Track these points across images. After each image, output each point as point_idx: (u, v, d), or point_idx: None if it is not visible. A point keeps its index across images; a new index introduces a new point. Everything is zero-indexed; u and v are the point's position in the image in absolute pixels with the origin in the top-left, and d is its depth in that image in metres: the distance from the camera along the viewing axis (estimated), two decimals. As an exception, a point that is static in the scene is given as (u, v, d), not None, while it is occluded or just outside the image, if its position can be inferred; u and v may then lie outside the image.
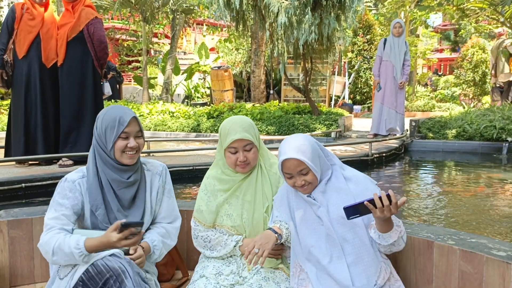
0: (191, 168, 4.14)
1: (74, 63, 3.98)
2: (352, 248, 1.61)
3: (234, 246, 1.76)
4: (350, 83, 13.16)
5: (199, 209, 1.82)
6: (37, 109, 3.92)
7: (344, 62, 13.52)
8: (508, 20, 9.21)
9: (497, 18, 9.88)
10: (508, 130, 6.20)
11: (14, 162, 3.85)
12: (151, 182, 1.77)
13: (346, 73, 13.20)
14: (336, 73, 13.03)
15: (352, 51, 13.41)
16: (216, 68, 12.22)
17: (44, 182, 3.34)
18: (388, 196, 1.45)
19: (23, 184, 3.22)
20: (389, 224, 1.55)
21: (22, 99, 3.91)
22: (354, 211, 1.48)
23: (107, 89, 4.56)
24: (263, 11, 7.42)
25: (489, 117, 6.62)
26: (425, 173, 5.55)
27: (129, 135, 1.64)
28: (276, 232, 1.66)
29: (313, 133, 7.39)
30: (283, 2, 6.83)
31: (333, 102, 12.73)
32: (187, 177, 4.10)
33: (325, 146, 5.55)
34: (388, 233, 1.56)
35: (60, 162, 3.93)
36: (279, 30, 7.16)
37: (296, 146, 1.59)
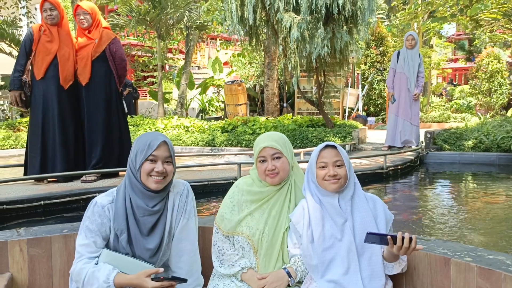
0: (205, 183, 4.16)
1: (100, 81, 4.14)
2: (368, 263, 1.66)
3: (238, 271, 1.78)
4: (363, 95, 13.12)
5: (222, 215, 1.84)
6: (55, 129, 4.02)
7: (358, 74, 13.51)
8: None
9: (511, 28, 9.79)
10: (526, 141, 6.09)
11: (32, 180, 3.93)
12: (173, 203, 1.76)
13: (360, 85, 13.17)
14: (349, 85, 13.02)
15: (365, 63, 13.40)
16: (230, 82, 12.34)
17: (62, 200, 3.40)
18: (410, 239, 1.53)
19: (42, 202, 3.29)
20: (396, 257, 1.63)
21: (39, 119, 4.02)
22: (374, 238, 1.54)
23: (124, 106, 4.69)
24: (276, 26, 7.50)
25: (506, 128, 6.51)
26: (442, 186, 5.47)
27: (157, 159, 1.64)
28: (290, 276, 1.69)
29: (327, 146, 7.37)
30: (295, 17, 6.90)
31: (346, 114, 12.70)
32: (201, 192, 4.11)
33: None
34: (392, 263, 1.66)
35: (84, 177, 4.02)
36: (292, 45, 7.22)
37: (329, 143, 1.76)
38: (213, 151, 8.17)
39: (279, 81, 12.04)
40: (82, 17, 4.10)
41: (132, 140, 8.80)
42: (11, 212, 3.21)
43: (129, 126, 9.95)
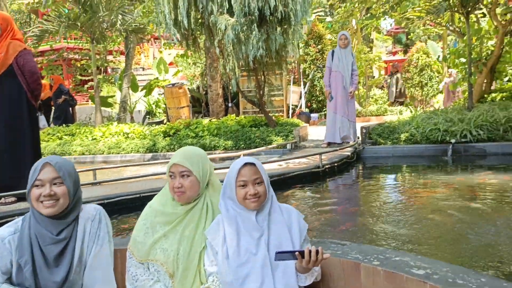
0: (137, 196, 4.04)
1: (7, 99, 3.84)
2: (282, 277, 1.68)
3: None
4: (306, 92, 13.40)
5: (135, 239, 1.80)
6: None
7: (300, 71, 13.76)
8: (451, 24, 9.69)
9: (439, 23, 10.37)
10: (451, 132, 6.48)
11: None
12: (84, 229, 1.67)
13: (302, 83, 13.43)
14: (291, 83, 13.23)
15: (306, 61, 13.68)
16: (170, 86, 12.14)
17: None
18: (317, 252, 1.59)
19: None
20: (308, 269, 1.66)
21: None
22: (284, 256, 1.59)
23: (42, 121, 4.44)
24: (212, 29, 7.45)
25: (433, 120, 6.89)
26: (375, 180, 5.70)
27: (43, 183, 1.58)
28: None
29: (269, 146, 7.46)
30: (229, 20, 6.89)
31: (290, 112, 12.90)
32: (133, 206, 3.98)
33: (279, 159, 5.55)
34: (305, 275, 1.70)
35: (2, 200, 3.77)
36: (228, 47, 7.21)
37: (249, 159, 1.73)
38: (154, 158, 7.99)
39: (222, 81, 12.00)
40: None
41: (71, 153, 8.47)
42: None
43: (65, 136, 9.65)
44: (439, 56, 13.39)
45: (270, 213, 1.73)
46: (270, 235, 1.70)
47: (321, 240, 2.13)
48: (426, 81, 13.70)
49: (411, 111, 9.61)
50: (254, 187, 1.66)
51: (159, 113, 16.60)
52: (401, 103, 14.16)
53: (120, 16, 9.58)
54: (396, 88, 14.59)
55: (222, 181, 1.89)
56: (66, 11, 9.71)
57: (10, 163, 3.80)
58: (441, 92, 13.89)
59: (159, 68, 18.51)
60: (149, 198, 3.93)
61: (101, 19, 9.38)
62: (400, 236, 3.18)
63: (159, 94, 17.82)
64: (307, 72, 13.69)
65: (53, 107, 11.36)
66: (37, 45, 10.05)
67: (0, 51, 3.83)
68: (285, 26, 7.30)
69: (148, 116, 16.48)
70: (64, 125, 10.22)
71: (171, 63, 20.38)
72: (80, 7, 9.13)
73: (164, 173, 5.24)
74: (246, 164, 1.69)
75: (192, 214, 1.79)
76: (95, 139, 9.16)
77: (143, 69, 23.08)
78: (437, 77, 13.95)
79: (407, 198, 4.46)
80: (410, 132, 6.91)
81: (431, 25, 15.74)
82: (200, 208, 1.80)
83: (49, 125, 11.10)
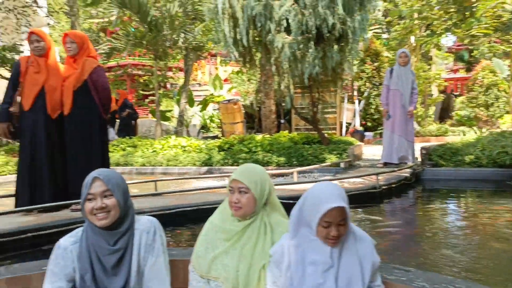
0: (195, 208, 4.14)
1: (81, 112, 4.13)
2: None
3: None
4: (360, 110, 13.16)
5: (197, 254, 1.84)
6: (42, 158, 4.03)
7: (355, 89, 13.57)
8: (519, 41, 9.17)
9: (507, 40, 9.84)
10: (521, 156, 6.06)
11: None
12: (140, 241, 1.74)
13: (356, 100, 13.22)
14: (346, 101, 13.06)
15: (361, 78, 13.47)
16: (226, 101, 12.43)
17: (50, 231, 3.41)
18: None
19: (29, 234, 3.30)
20: None
21: (27, 150, 4.04)
22: None
23: (111, 134, 4.71)
24: (269, 46, 7.58)
25: (501, 143, 6.49)
26: (437, 204, 5.43)
27: (95, 196, 1.66)
28: None
29: (323, 164, 7.37)
30: (286, 38, 6.98)
31: (344, 130, 12.70)
32: (192, 217, 4.07)
33: (333, 178, 5.42)
34: None
35: (73, 207, 4.03)
36: (284, 64, 7.29)
37: (338, 194, 1.59)
38: (209, 171, 8.17)
39: (276, 98, 12.12)
40: (68, 46, 4.14)
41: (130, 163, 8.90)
42: (2, 245, 3.22)
43: (128, 147, 10.16)
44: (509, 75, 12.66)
45: (343, 242, 1.64)
46: (340, 267, 1.61)
47: (383, 265, 2.06)
48: (492, 101, 12.95)
49: (475, 132, 9.10)
50: (337, 228, 1.58)
51: (213, 127, 17.01)
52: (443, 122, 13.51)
53: (182, 35, 10.03)
54: (443, 107, 13.96)
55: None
56: (133, 29, 10.33)
57: (81, 172, 4.06)
58: (508, 112, 13.06)
59: (214, 84, 19.04)
60: (207, 210, 4.03)
61: (164, 38, 9.87)
62: (462, 264, 3.00)
63: (213, 109, 18.29)
64: (361, 89, 13.47)
65: (117, 120, 12.02)
66: (106, 61, 10.73)
67: (76, 68, 4.14)
68: (342, 44, 7.26)
69: (202, 130, 16.94)
70: (127, 137, 10.76)
71: (225, 80, 20.88)
72: (146, 26, 9.67)
73: (220, 187, 5.38)
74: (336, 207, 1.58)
75: (250, 232, 1.80)
76: (155, 151, 9.56)
77: (200, 85, 23.80)
78: (504, 96, 13.15)
79: (469, 223, 4.21)
80: (475, 155, 6.54)
81: (497, 42, 14.96)
82: (257, 226, 1.81)
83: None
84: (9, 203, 5.19)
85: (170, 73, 21.18)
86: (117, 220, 1.69)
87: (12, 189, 4.51)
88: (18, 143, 4.23)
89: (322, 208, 1.56)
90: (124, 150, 9.97)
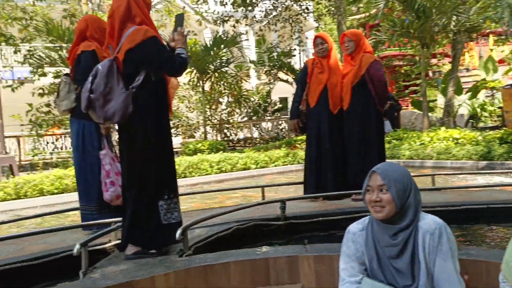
0: (484, 206, 3.66)
1: (359, 106, 4.32)
2: None
3: None
4: None
5: (508, 263, 1.61)
6: (328, 151, 4.41)
7: None
8: None
9: None
10: None
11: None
12: (423, 241, 1.69)
13: None
14: None
15: None
16: (508, 86, 10.61)
17: (336, 217, 3.68)
18: None
19: (320, 218, 3.66)
20: None
21: (313, 143, 4.48)
22: None
23: (388, 126, 4.72)
24: None
25: None
26: None
27: (372, 189, 1.71)
28: None
29: None
30: None
31: None
32: (479, 216, 3.62)
33: None
34: None
35: (354, 196, 4.30)
36: None
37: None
38: (488, 166, 7.19)
39: None
40: (346, 44, 4.39)
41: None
42: (296, 226, 3.71)
43: (393, 140, 10.03)
44: None
45: None
46: None
47: None
48: None
49: None
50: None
51: (485, 117, 15.11)
52: None
53: (454, 17, 9.17)
54: None
55: None
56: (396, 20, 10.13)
57: (359, 164, 4.26)
58: None
59: (486, 67, 16.93)
60: (497, 210, 3.52)
61: (432, 23, 9.26)
62: None
63: (486, 96, 16.22)
64: None
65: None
66: (371, 55, 10.88)
67: (354, 64, 4.36)
68: None
69: (471, 121, 15.29)
70: (392, 130, 10.69)
71: (500, 61, 18.18)
72: (413, 14, 9.33)
73: (508, 185, 4.59)
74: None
75: None
76: (423, 143, 9.21)
77: (467, 70, 21.44)
78: None
79: None
80: None
81: None
82: None
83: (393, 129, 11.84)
84: (290, 192, 5.99)
85: (433, 60, 19.82)
86: (395, 215, 1.70)
87: (292, 177, 5.16)
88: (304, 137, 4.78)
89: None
90: (389, 142, 9.94)
